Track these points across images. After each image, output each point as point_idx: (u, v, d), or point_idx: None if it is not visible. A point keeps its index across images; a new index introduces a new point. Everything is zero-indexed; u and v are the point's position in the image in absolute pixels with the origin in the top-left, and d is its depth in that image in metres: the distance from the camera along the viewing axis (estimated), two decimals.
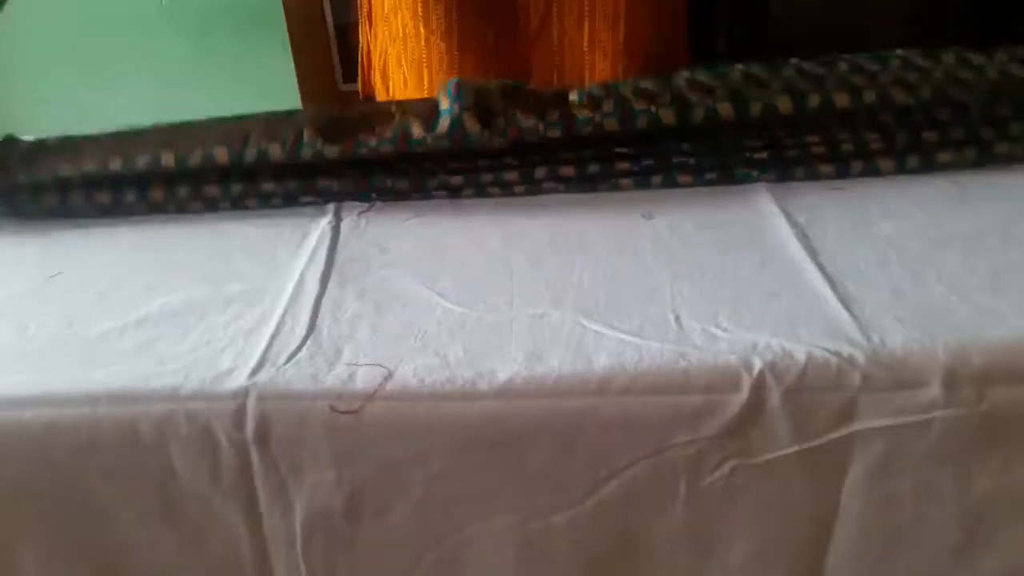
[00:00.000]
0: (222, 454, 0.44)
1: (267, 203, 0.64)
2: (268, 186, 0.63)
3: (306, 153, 0.61)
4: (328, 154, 0.61)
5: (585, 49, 0.86)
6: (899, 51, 0.68)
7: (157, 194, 0.63)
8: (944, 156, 0.61)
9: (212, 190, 0.63)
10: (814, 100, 0.64)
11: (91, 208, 0.64)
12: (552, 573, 0.47)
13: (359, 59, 0.97)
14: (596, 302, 0.48)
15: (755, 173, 0.61)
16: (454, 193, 0.63)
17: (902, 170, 0.61)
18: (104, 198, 0.63)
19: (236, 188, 0.63)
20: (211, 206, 0.63)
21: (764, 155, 0.62)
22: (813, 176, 0.61)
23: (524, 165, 0.62)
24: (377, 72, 0.94)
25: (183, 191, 0.63)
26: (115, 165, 0.64)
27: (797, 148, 0.62)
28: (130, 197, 0.63)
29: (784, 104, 0.62)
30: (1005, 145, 0.61)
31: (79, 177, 0.64)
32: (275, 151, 0.62)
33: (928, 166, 0.61)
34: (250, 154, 0.62)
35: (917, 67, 0.67)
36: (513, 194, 0.63)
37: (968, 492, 0.44)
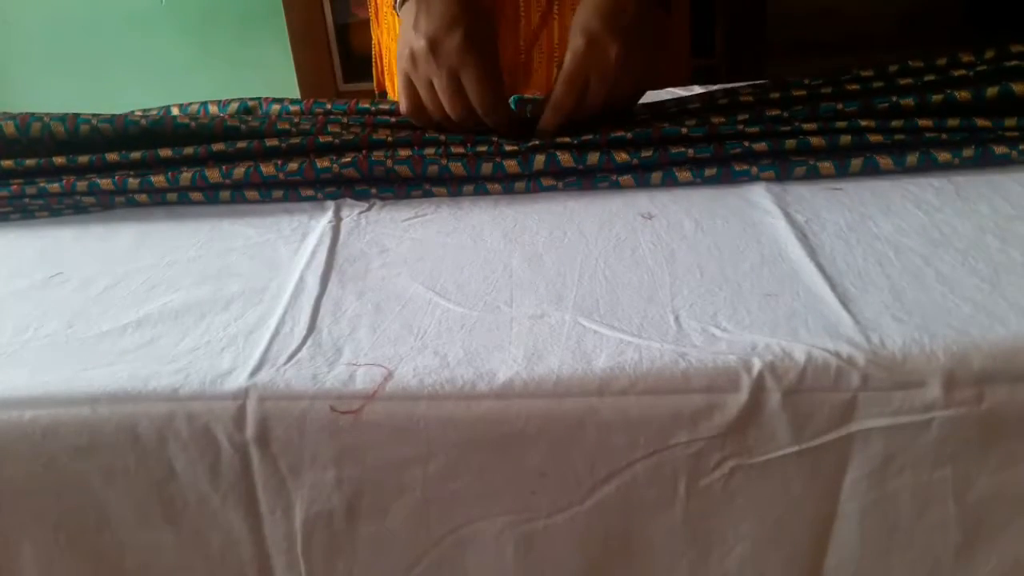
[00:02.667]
0: (222, 454, 0.44)
1: (269, 188, 0.65)
2: (269, 169, 0.63)
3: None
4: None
5: None
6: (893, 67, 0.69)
7: (159, 179, 0.63)
8: (943, 155, 0.61)
9: (213, 174, 0.63)
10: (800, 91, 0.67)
11: (93, 195, 0.64)
12: (552, 573, 0.47)
13: (372, 57, 0.97)
14: (596, 302, 0.48)
15: (754, 169, 0.61)
16: (454, 185, 0.63)
17: (901, 166, 0.61)
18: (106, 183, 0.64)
19: (238, 171, 0.63)
20: (212, 192, 0.64)
21: (763, 146, 0.62)
22: (813, 173, 0.61)
23: (524, 152, 0.63)
24: (386, 70, 0.94)
25: (185, 174, 0.63)
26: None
27: (794, 137, 0.62)
28: (132, 182, 0.64)
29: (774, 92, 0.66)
30: (1004, 146, 0.61)
31: (79, 164, 0.65)
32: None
33: (927, 164, 0.61)
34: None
35: (914, 70, 0.68)
36: (513, 191, 0.63)
37: (968, 492, 0.44)
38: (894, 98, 0.63)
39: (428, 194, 0.64)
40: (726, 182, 0.62)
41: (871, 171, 0.61)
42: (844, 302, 0.46)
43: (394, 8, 0.68)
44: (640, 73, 0.65)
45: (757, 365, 0.42)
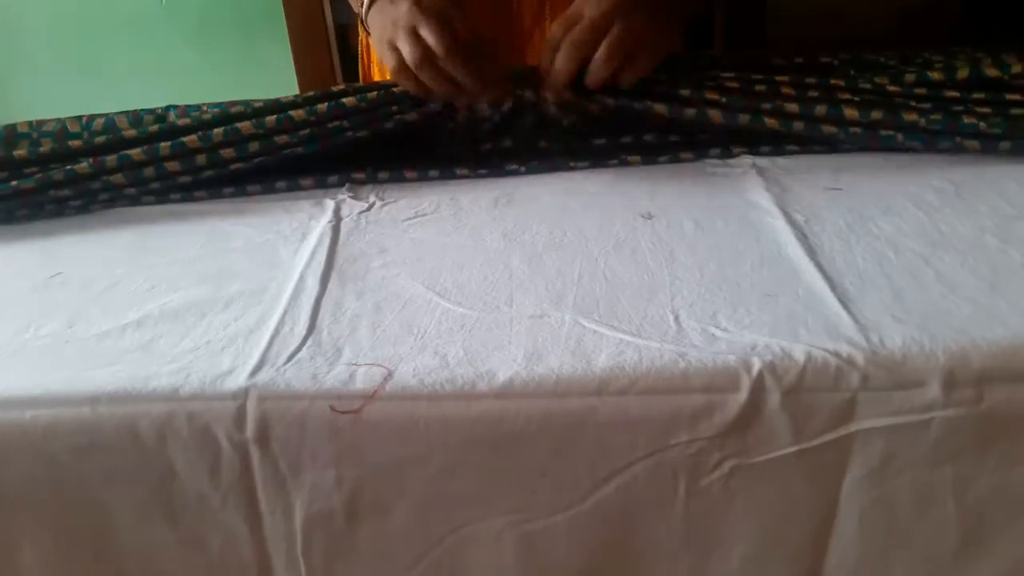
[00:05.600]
0: (222, 454, 0.44)
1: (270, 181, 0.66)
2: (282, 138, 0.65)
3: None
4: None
5: None
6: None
7: (191, 139, 0.65)
8: (910, 116, 0.62)
9: (228, 152, 0.65)
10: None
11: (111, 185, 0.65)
12: (552, 573, 0.47)
13: (359, 53, 0.97)
14: (596, 302, 0.48)
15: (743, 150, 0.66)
16: (456, 161, 0.67)
17: (866, 118, 0.63)
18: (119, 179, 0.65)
19: (254, 145, 0.65)
20: (241, 145, 0.66)
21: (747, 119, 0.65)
22: (784, 120, 0.64)
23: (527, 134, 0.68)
24: (376, 67, 0.94)
25: (217, 130, 0.65)
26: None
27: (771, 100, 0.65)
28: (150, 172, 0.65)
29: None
30: (972, 117, 0.61)
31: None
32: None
33: (891, 123, 0.63)
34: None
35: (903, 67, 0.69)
36: (516, 173, 0.66)
37: (967, 492, 0.44)
38: (868, 74, 0.65)
39: (423, 176, 0.66)
40: (726, 157, 0.66)
41: (836, 120, 0.63)
42: (844, 302, 0.46)
43: (362, 22, 0.70)
44: (633, 29, 0.64)
45: (757, 365, 0.42)
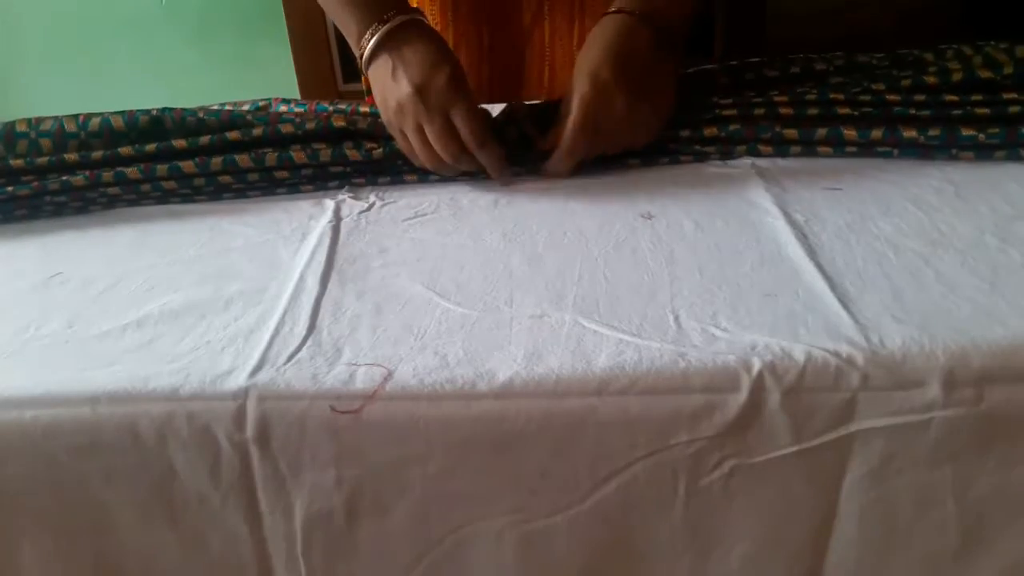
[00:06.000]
0: (222, 454, 0.44)
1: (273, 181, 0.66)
2: (300, 155, 0.65)
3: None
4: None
5: (575, 47, 0.86)
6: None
7: (187, 164, 0.64)
8: (909, 132, 0.62)
9: (243, 159, 0.65)
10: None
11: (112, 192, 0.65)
12: (552, 573, 0.47)
13: None
14: (596, 302, 0.48)
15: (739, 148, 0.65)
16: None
17: (865, 138, 0.63)
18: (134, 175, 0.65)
19: (270, 157, 0.65)
20: (240, 176, 0.66)
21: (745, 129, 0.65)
22: (779, 139, 0.64)
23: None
24: None
25: (216, 159, 0.65)
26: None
27: (768, 119, 0.65)
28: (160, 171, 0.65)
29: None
30: (971, 128, 0.61)
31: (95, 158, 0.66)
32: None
33: (892, 140, 0.62)
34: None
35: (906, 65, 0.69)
36: (516, 173, 0.65)
37: (967, 492, 0.44)
38: (866, 83, 0.65)
39: (424, 179, 0.66)
40: (727, 157, 0.65)
41: (834, 142, 0.63)
42: (844, 302, 0.47)
43: (362, 72, 0.68)
44: (646, 122, 0.64)
45: (757, 365, 0.42)
